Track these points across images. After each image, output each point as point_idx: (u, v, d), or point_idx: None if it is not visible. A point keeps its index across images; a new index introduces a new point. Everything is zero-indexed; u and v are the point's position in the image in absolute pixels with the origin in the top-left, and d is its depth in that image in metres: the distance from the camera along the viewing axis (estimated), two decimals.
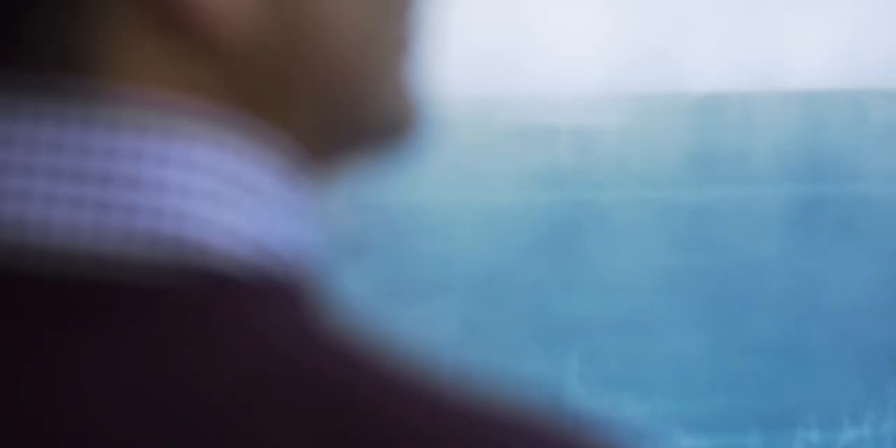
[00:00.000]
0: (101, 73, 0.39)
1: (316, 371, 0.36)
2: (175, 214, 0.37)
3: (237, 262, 0.37)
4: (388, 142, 0.44)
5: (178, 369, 0.36)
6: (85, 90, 0.39)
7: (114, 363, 0.35)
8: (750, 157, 10.37)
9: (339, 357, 0.37)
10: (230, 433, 0.34)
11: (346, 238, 7.48)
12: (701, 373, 5.23)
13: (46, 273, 0.37)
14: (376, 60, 0.42)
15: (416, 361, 0.38)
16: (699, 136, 11.31)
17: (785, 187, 9.24)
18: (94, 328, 0.36)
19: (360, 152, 0.44)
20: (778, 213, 8.29)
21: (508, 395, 0.38)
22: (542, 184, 9.38)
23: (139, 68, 0.39)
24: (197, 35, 0.38)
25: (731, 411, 4.81)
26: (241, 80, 0.39)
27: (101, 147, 0.38)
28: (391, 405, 0.36)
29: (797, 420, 4.72)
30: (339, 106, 0.42)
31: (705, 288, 6.50)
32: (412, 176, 9.71)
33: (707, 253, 7.04)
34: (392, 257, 6.95)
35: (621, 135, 11.45)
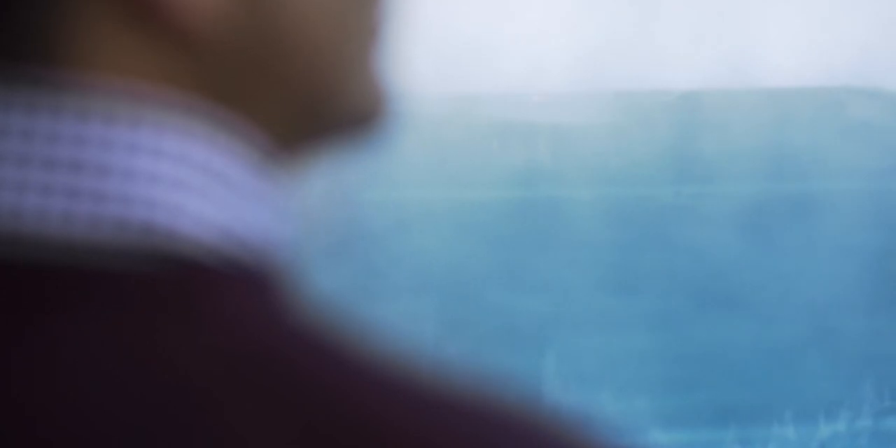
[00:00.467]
0: (73, 63, 0.39)
1: (284, 357, 0.36)
2: (144, 201, 0.37)
3: (206, 248, 0.37)
4: (357, 132, 0.44)
5: (148, 354, 0.35)
6: (56, 80, 0.39)
7: (85, 348, 0.35)
8: (726, 154, 10.40)
9: (306, 343, 0.37)
10: (201, 419, 0.34)
11: (321, 234, 7.47)
12: (677, 369, 5.25)
13: (17, 259, 0.37)
14: (346, 51, 0.42)
15: (385, 351, 0.38)
16: (676, 133, 11.31)
17: (761, 184, 9.27)
18: (64, 313, 0.36)
19: (330, 142, 0.44)
20: (755, 209, 8.31)
21: (482, 388, 0.38)
22: (519, 181, 9.38)
23: (110, 59, 0.39)
24: (168, 26, 0.39)
25: (707, 407, 4.82)
26: (211, 70, 0.39)
27: (71, 135, 0.38)
28: (360, 392, 0.36)
29: (773, 416, 4.73)
30: (309, 96, 0.42)
31: (681, 285, 6.52)
32: (388, 172, 9.70)
33: (682, 250, 7.06)
34: (367, 254, 6.94)
35: (597, 132, 11.44)
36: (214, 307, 0.37)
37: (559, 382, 5.07)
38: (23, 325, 0.36)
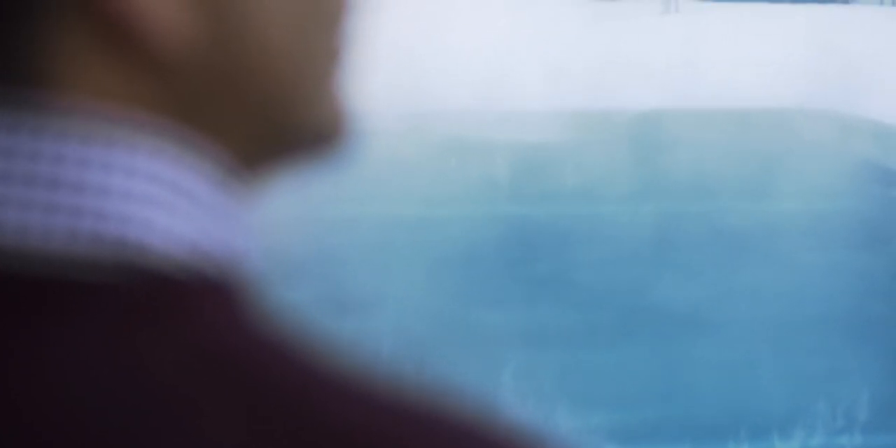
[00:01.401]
0: (48, 84, 0.40)
1: (249, 361, 0.38)
2: (118, 217, 0.39)
3: (174, 261, 0.39)
4: (319, 151, 0.46)
5: (123, 359, 0.37)
6: (35, 101, 0.40)
7: (57, 354, 0.37)
8: (682, 173, 10.44)
9: (270, 349, 0.39)
10: (173, 417, 0.36)
11: (281, 251, 7.45)
12: (633, 385, 5.26)
13: None
14: (308, 72, 0.44)
15: (348, 361, 0.40)
16: (635, 152, 11.39)
17: (716, 203, 9.31)
18: (39, 322, 0.38)
19: (293, 161, 0.46)
20: (710, 228, 8.35)
21: (439, 397, 0.39)
22: (479, 198, 9.39)
23: (83, 80, 0.41)
24: (137, 49, 0.40)
25: (663, 423, 4.83)
26: (178, 92, 0.41)
27: (50, 154, 0.40)
28: (321, 397, 0.38)
29: (728, 433, 4.75)
30: (272, 116, 0.44)
31: (638, 301, 6.53)
32: (347, 190, 9.68)
33: (640, 267, 7.08)
34: (327, 270, 6.93)
35: (558, 150, 11.51)
36: (182, 316, 0.39)
37: (516, 398, 5.08)
38: (1, 332, 0.37)
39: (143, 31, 0.40)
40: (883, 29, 20.50)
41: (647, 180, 10.08)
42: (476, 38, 19.78)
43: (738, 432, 4.76)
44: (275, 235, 8.05)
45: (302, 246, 7.70)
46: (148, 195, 0.40)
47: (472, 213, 8.77)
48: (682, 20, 22.03)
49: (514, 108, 15.21)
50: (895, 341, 5.93)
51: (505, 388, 5.16)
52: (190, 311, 0.39)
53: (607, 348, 5.70)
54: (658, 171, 10.54)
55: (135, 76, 0.41)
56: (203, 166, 0.42)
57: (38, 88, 0.40)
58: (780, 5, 24.14)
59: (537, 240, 7.90)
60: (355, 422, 0.37)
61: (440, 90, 16.20)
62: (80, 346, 0.37)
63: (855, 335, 5.98)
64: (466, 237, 7.93)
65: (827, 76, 16.41)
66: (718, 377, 5.34)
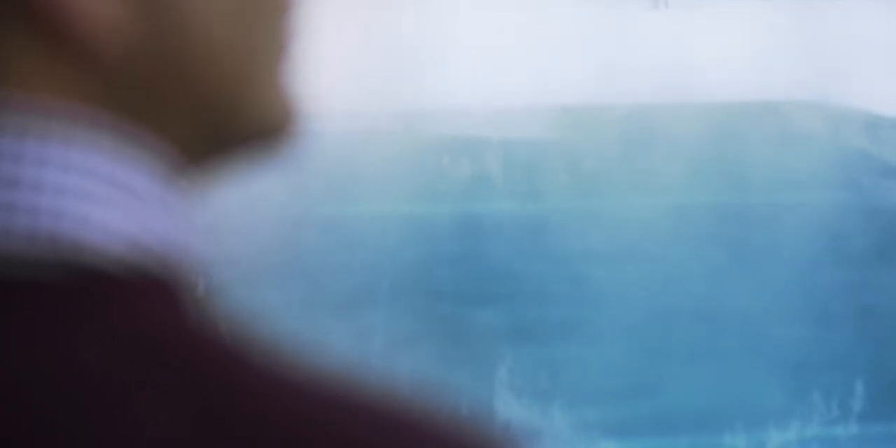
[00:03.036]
0: None
1: (182, 356, 0.38)
2: (51, 213, 0.38)
3: (111, 256, 0.39)
4: (265, 145, 0.46)
5: (53, 355, 0.37)
6: None
7: None
8: (674, 168, 10.44)
9: (206, 345, 0.39)
10: (103, 414, 0.36)
11: (272, 250, 7.44)
12: (627, 378, 5.26)
13: None
14: (250, 67, 0.44)
15: (288, 356, 0.40)
16: (628, 148, 11.39)
17: (707, 197, 9.31)
18: None
19: (238, 156, 0.46)
20: (701, 222, 8.35)
21: (395, 395, 0.39)
22: (468, 195, 9.38)
23: (20, 75, 0.40)
24: (75, 44, 0.40)
25: (658, 416, 4.83)
26: (117, 86, 0.41)
27: None
28: (256, 390, 0.38)
29: (724, 425, 4.75)
30: (214, 111, 0.43)
31: (630, 295, 6.53)
32: (339, 187, 9.67)
33: (630, 262, 7.08)
34: (316, 269, 6.92)
35: (548, 147, 11.50)
36: (118, 310, 0.38)
37: (510, 394, 5.07)
38: None
39: (82, 28, 0.40)
40: (872, 21, 20.52)
41: (640, 175, 10.08)
42: (469, 37, 19.78)
43: (734, 424, 4.76)
44: (265, 234, 8.04)
45: (293, 244, 7.69)
46: (83, 190, 0.39)
47: (464, 209, 8.76)
48: (672, 15, 22.05)
49: (507, 106, 15.21)
50: (888, 331, 5.93)
51: (499, 384, 5.15)
52: (126, 306, 0.39)
53: (600, 342, 5.70)
54: (651, 166, 10.54)
55: (74, 72, 0.41)
56: (143, 161, 0.42)
57: None
58: None
59: (528, 235, 7.90)
60: (289, 413, 0.37)
61: (433, 89, 16.20)
62: (10, 344, 0.37)
63: (848, 325, 5.99)
64: (459, 234, 7.92)
65: (817, 68, 16.42)
66: (713, 369, 5.34)
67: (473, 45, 19.39)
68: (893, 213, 8.83)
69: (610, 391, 5.07)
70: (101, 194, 0.40)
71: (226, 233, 8.03)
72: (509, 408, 4.92)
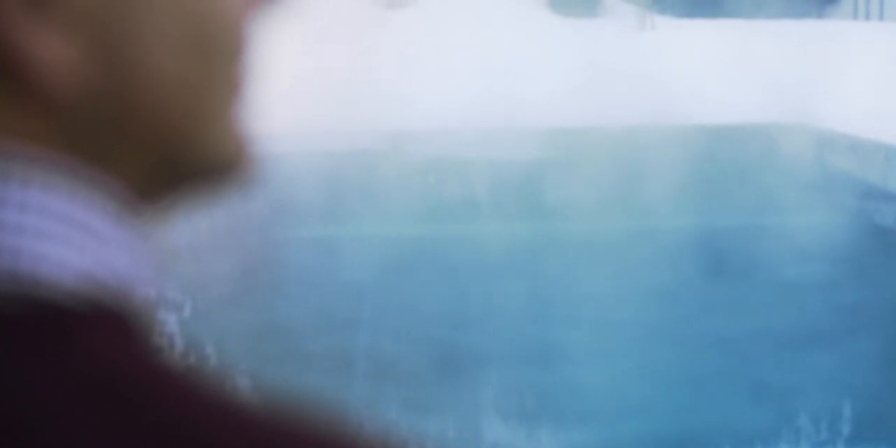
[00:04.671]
0: None
1: (131, 390, 0.39)
2: (10, 250, 0.40)
3: (66, 291, 0.40)
4: (219, 181, 0.48)
5: (6, 385, 0.38)
6: None
7: None
8: (659, 190, 10.48)
9: (157, 380, 0.40)
10: (53, 439, 0.37)
11: (260, 272, 7.44)
12: (614, 401, 5.26)
13: None
14: (205, 104, 0.45)
15: (241, 393, 0.41)
16: (613, 169, 11.43)
17: (691, 219, 9.34)
18: None
19: (193, 192, 0.47)
20: (685, 244, 8.37)
21: (341, 429, 0.41)
22: (456, 216, 9.40)
23: None
24: (29, 87, 0.41)
25: (646, 439, 4.83)
26: (71, 128, 0.42)
27: None
28: (200, 426, 0.39)
29: (711, 447, 4.75)
30: (168, 147, 0.45)
31: (615, 317, 6.54)
32: (324, 209, 9.68)
33: (615, 283, 7.09)
34: (299, 291, 6.91)
35: (536, 167, 11.56)
36: (70, 344, 0.40)
37: (497, 417, 5.06)
38: None
39: (35, 71, 0.41)
40: (858, 42, 20.65)
41: (625, 197, 10.11)
42: (457, 59, 19.87)
43: (722, 446, 4.77)
44: (253, 256, 8.04)
45: (280, 266, 7.69)
46: (40, 228, 0.41)
47: (453, 231, 8.78)
48: (658, 37, 22.16)
49: (494, 128, 15.26)
50: (876, 353, 5.94)
51: (485, 406, 5.14)
52: (79, 340, 0.40)
53: (587, 364, 5.70)
54: (635, 188, 10.58)
55: (28, 115, 0.42)
56: (96, 199, 0.43)
57: None
58: (755, 21, 24.30)
59: (514, 256, 7.90)
60: (239, 445, 0.39)
61: (417, 110, 16.25)
62: None
63: (836, 347, 6.00)
64: (443, 256, 7.93)
65: (802, 90, 16.51)
66: (700, 391, 5.34)
67: (462, 67, 19.45)
68: (878, 235, 8.86)
69: (597, 413, 5.07)
70: (58, 233, 0.41)
71: (208, 254, 8.03)
72: (495, 430, 4.91)
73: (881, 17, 27.49)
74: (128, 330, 0.41)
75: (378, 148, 13.60)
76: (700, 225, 9.07)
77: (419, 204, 9.79)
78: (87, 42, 0.42)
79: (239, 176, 0.47)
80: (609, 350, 5.91)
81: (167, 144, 0.44)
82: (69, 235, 0.41)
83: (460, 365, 5.67)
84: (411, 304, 6.73)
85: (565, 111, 15.88)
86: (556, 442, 4.79)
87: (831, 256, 8.00)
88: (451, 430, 4.83)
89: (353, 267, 7.62)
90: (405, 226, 9.00)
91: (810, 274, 7.50)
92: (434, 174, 11.55)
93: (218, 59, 0.45)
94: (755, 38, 21.54)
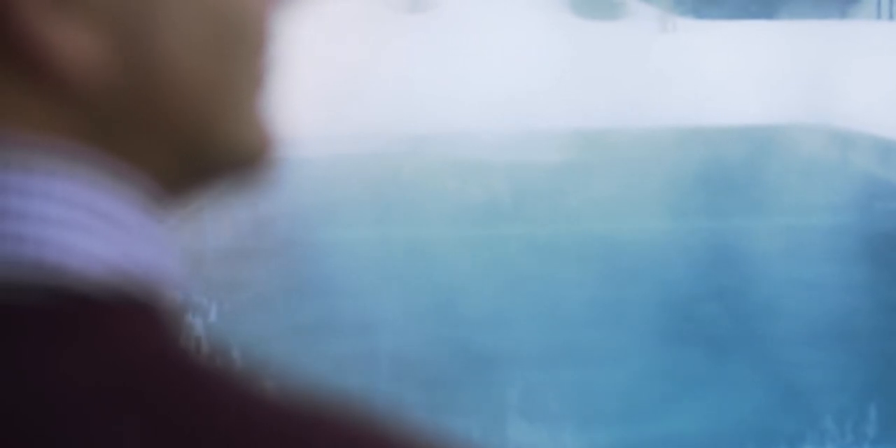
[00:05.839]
0: None
1: (158, 381, 0.39)
2: (36, 240, 0.40)
3: (93, 282, 0.40)
4: (242, 174, 0.48)
5: (38, 376, 0.38)
6: None
7: None
8: (682, 190, 10.46)
9: (184, 371, 0.40)
10: (85, 432, 0.37)
11: (279, 273, 7.44)
12: (636, 401, 5.25)
13: None
14: (228, 97, 0.45)
15: (270, 386, 0.41)
16: (634, 170, 11.41)
17: (715, 220, 9.31)
18: None
19: (215, 185, 0.47)
20: (709, 245, 8.35)
21: (372, 423, 0.40)
22: (477, 219, 9.39)
23: (1, 111, 0.42)
24: (53, 79, 0.41)
25: (669, 441, 4.82)
26: (96, 120, 0.42)
27: None
28: (226, 417, 0.39)
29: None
30: (190, 141, 0.45)
31: (638, 318, 6.52)
32: (347, 211, 9.69)
33: (637, 284, 7.07)
34: (324, 293, 6.92)
35: (557, 170, 11.53)
36: (99, 335, 0.40)
37: (521, 418, 5.06)
38: None
39: (59, 63, 0.41)
40: (880, 42, 20.57)
41: (647, 198, 10.08)
42: (478, 62, 19.85)
43: (746, 447, 4.75)
44: (277, 259, 8.05)
45: (304, 269, 7.70)
46: (65, 219, 0.41)
47: (470, 233, 8.77)
48: (680, 39, 22.11)
49: (516, 130, 15.25)
50: None
51: (509, 408, 5.14)
52: (108, 328, 0.40)
53: (611, 365, 5.69)
54: (658, 188, 10.55)
55: (53, 107, 0.42)
56: (121, 190, 0.43)
57: None
58: (777, 21, 24.23)
59: (536, 259, 7.89)
60: (268, 435, 0.38)
61: (439, 112, 16.25)
62: None
63: (861, 348, 5.97)
64: (465, 258, 7.93)
65: (824, 91, 16.45)
66: (724, 392, 5.33)
67: (481, 70, 19.44)
68: None
69: (621, 414, 5.06)
70: (83, 223, 0.41)
71: (233, 258, 8.04)
72: (520, 432, 4.91)
73: None
74: (156, 321, 0.41)
75: (400, 150, 13.61)
76: (723, 226, 9.04)
77: (442, 206, 9.78)
78: (111, 36, 0.42)
79: (262, 169, 0.47)
80: (633, 351, 5.90)
81: (190, 138, 0.44)
82: (95, 226, 0.41)
83: (485, 366, 5.67)
84: (434, 306, 6.73)
85: (586, 113, 15.86)
86: (580, 442, 4.79)
87: (855, 256, 7.97)
88: (476, 432, 4.82)
89: (376, 269, 7.62)
90: (430, 228, 9.00)
91: (834, 274, 7.47)
92: (456, 176, 11.54)
93: (240, 53, 0.45)
94: (777, 38, 21.47)
